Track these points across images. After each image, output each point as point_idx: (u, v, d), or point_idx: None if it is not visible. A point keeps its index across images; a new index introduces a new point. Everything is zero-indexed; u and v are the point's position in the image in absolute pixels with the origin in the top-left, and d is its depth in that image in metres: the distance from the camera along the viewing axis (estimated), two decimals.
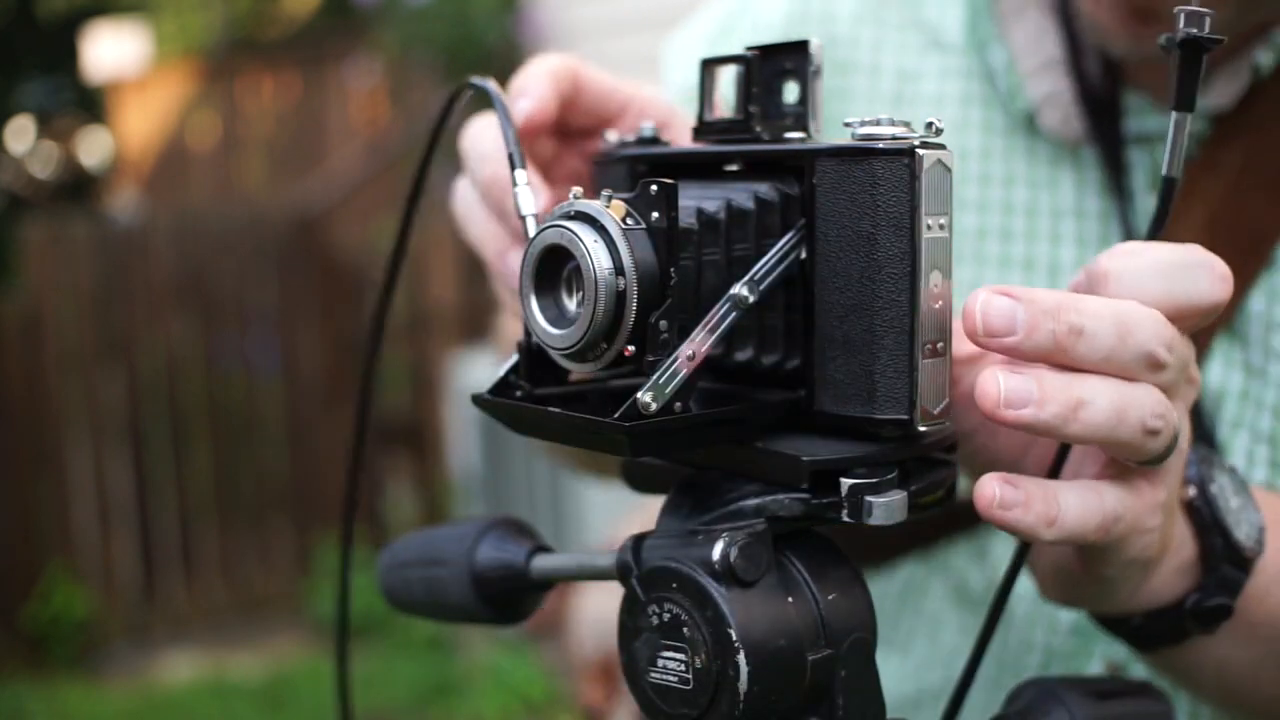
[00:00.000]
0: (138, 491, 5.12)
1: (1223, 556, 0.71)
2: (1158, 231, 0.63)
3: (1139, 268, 0.61)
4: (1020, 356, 0.58)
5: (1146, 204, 0.94)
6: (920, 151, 0.56)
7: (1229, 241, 0.88)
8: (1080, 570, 0.67)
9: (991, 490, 0.58)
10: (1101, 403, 0.58)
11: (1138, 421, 0.59)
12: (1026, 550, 0.66)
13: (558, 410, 0.59)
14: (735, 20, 1.12)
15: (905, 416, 0.58)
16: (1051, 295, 0.58)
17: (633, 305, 0.54)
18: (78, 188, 8.75)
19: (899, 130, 0.57)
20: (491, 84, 0.66)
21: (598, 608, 1.25)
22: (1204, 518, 0.71)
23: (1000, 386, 0.57)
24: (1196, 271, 0.62)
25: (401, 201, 0.73)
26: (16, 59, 8.70)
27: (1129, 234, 0.93)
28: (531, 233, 0.59)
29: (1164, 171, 0.62)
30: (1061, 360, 0.58)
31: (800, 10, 1.07)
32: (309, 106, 7.09)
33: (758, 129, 0.63)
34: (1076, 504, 0.60)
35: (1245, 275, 0.90)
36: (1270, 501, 0.78)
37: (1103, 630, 0.75)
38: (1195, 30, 0.59)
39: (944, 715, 0.68)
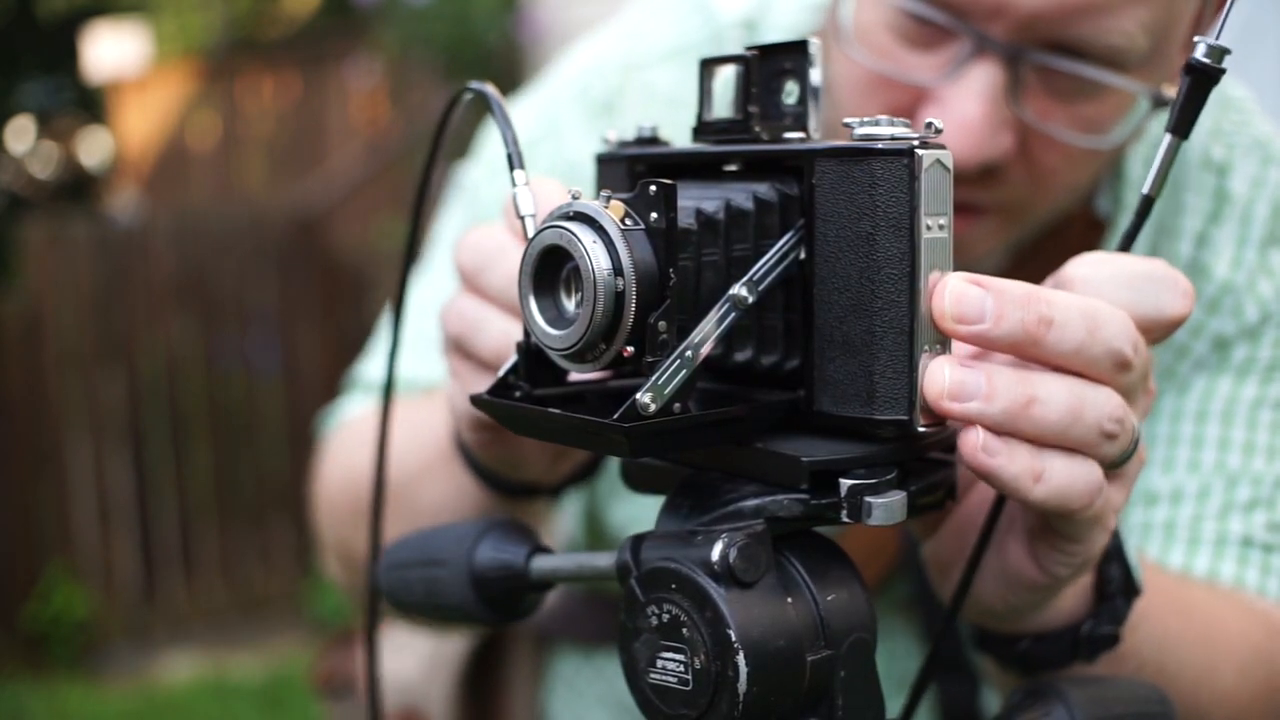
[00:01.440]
0: (138, 491, 5.11)
1: (1119, 587, 0.72)
2: (1128, 246, 0.64)
3: (1107, 275, 0.62)
4: (989, 346, 0.58)
5: None
6: (919, 152, 0.56)
7: None
8: (1033, 571, 0.66)
9: (975, 437, 0.57)
10: (1056, 401, 0.58)
11: (1094, 423, 0.59)
12: (999, 511, 0.65)
13: (557, 411, 0.59)
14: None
15: (904, 417, 0.58)
16: (1021, 286, 0.58)
17: (631, 306, 0.54)
18: (78, 188, 8.74)
19: (898, 130, 0.57)
20: (490, 88, 0.66)
21: (385, 666, 1.28)
22: (1107, 546, 0.71)
23: (946, 377, 0.57)
24: (1162, 285, 0.63)
25: (402, 201, 0.73)
26: (16, 59, 8.69)
27: None
28: (530, 233, 0.59)
29: (1144, 190, 0.62)
30: (1031, 352, 0.58)
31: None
32: (309, 106, 7.08)
33: (757, 129, 0.63)
34: (1064, 467, 0.59)
35: None
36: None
37: (985, 652, 0.75)
38: (1209, 61, 0.60)
39: (905, 705, 0.68)
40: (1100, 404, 0.59)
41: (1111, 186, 1.02)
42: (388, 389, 0.76)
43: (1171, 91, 0.88)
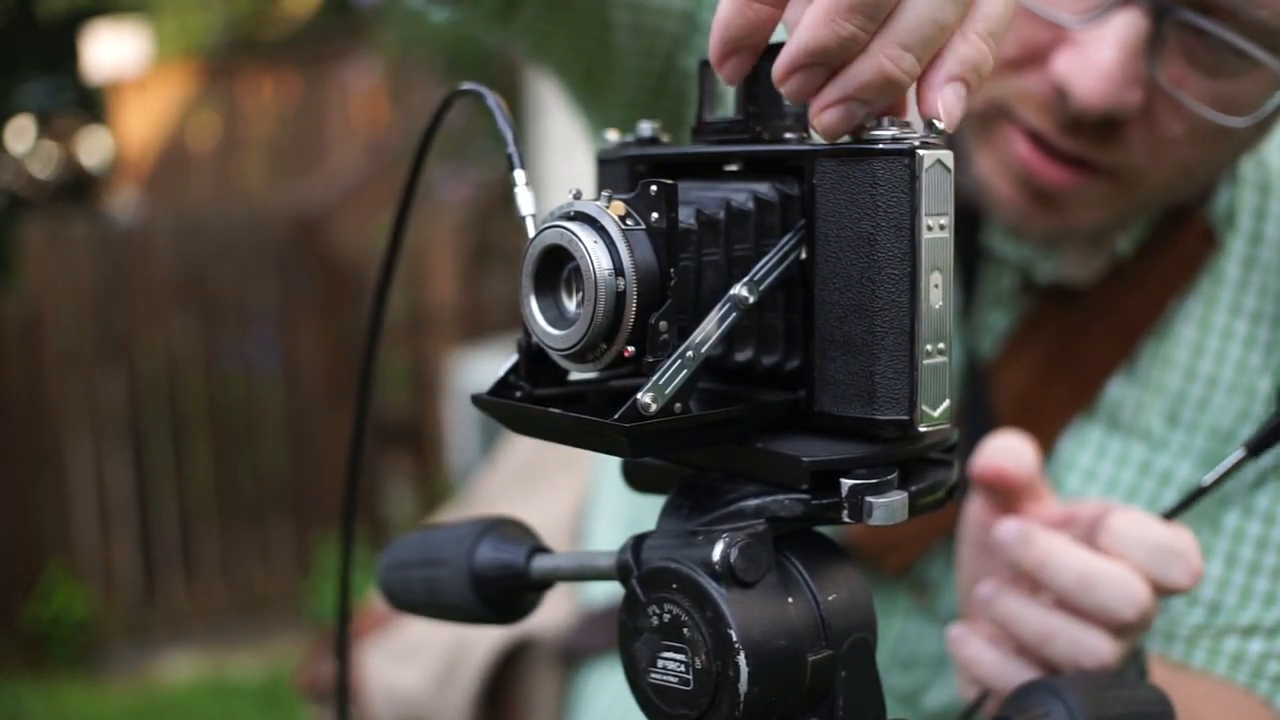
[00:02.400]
0: (138, 491, 5.11)
1: None
2: (1172, 516, 0.80)
3: (1134, 539, 0.75)
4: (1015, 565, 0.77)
5: (988, 318, 1.03)
6: (920, 152, 0.56)
7: (1065, 372, 1.01)
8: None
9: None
10: (1029, 626, 0.76)
11: (1065, 653, 0.74)
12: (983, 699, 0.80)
13: (558, 411, 0.59)
14: None
15: (905, 417, 0.58)
16: (1038, 536, 0.76)
17: (632, 306, 0.54)
18: (78, 188, 8.73)
19: (899, 130, 0.57)
20: (488, 92, 0.66)
21: (385, 676, 1.27)
22: None
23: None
24: (1175, 559, 0.75)
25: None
26: (16, 59, 8.68)
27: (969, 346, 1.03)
28: (531, 233, 0.59)
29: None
30: (1037, 580, 0.76)
31: None
32: (309, 106, 7.08)
33: (758, 129, 0.63)
34: (1008, 668, 0.79)
35: (1074, 405, 1.01)
36: (1177, 681, 0.84)
37: None
38: None
39: None
40: (1080, 641, 0.74)
41: (1227, 190, 1.01)
42: (365, 380, 0.76)
43: None
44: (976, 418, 0.99)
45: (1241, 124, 0.88)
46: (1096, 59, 0.84)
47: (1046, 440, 1.00)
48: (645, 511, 1.14)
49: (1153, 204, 0.97)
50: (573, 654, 1.19)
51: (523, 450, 1.46)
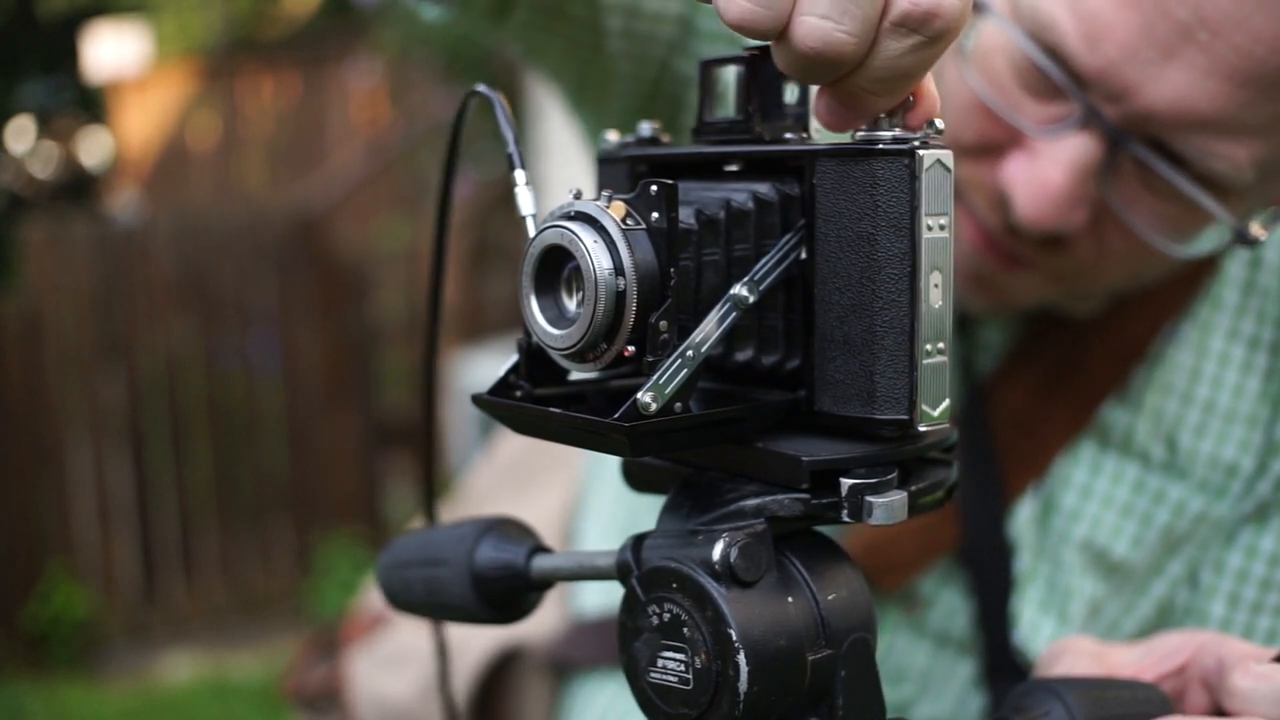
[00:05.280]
0: (138, 491, 5.11)
1: None
2: None
3: (1264, 692, 0.67)
4: None
5: (985, 335, 1.02)
6: (920, 152, 0.56)
7: (1063, 394, 0.99)
8: None
9: None
10: None
11: None
12: None
13: (558, 410, 0.59)
14: None
15: (905, 417, 0.58)
16: None
17: (633, 305, 0.54)
18: (78, 188, 8.73)
19: (899, 131, 0.57)
20: (496, 94, 0.66)
21: (372, 684, 1.26)
22: None
23: None
24: None
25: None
26: (16, 59, 8.69)
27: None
28: (531, 233, 0.59)
29: None
30: None
31: None
32: (309, 106, 7.09)
33: (758, 129, 0.63)
34: None
35: (1073, 427, 0.99)
36: None
37: None
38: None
39: None
40: None
41: None
42: (429, 379, 0.75)
43: (1259, 232, 0.85)
44: (974, 435, 0.99)
45: (1183, 255, 0.87)
46: (1044, 178, 0.83)
47: (1044, 460, 0.99)
48: (638, 517, 1.14)
49: (1101, 293, 0.96)
50: (563, 664, 1.19)
51: (511, 448, 1.46)
